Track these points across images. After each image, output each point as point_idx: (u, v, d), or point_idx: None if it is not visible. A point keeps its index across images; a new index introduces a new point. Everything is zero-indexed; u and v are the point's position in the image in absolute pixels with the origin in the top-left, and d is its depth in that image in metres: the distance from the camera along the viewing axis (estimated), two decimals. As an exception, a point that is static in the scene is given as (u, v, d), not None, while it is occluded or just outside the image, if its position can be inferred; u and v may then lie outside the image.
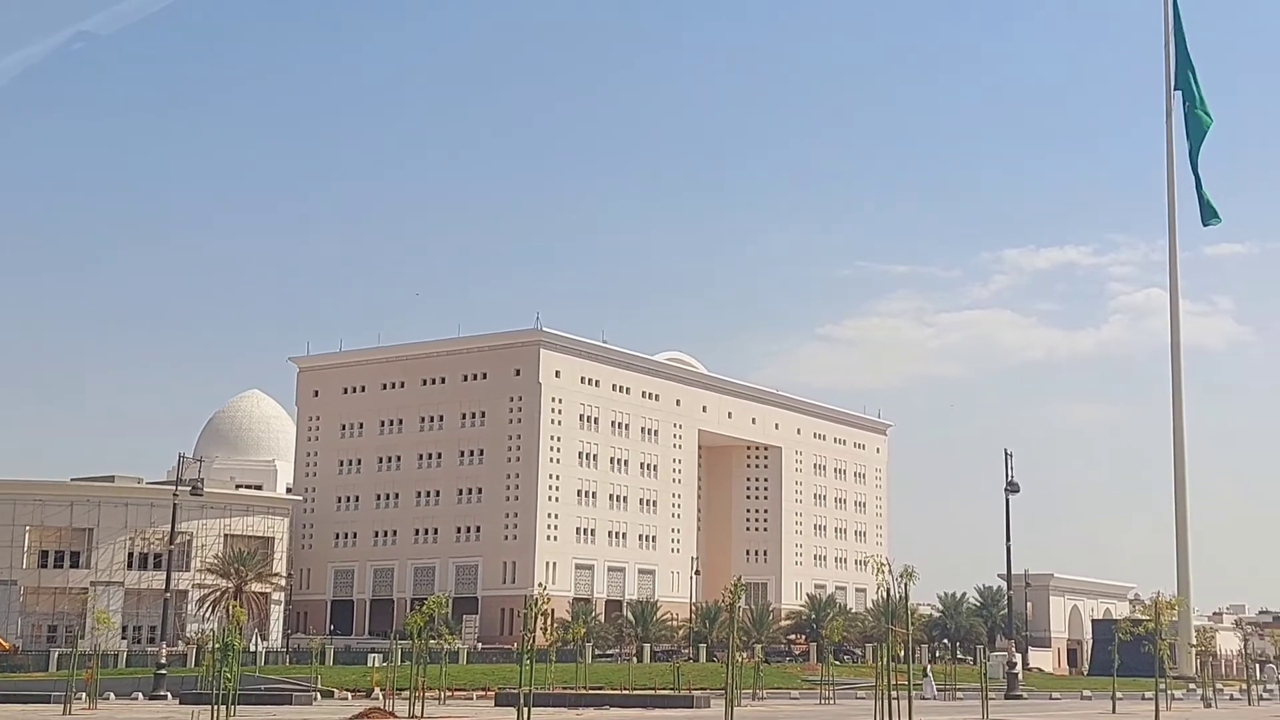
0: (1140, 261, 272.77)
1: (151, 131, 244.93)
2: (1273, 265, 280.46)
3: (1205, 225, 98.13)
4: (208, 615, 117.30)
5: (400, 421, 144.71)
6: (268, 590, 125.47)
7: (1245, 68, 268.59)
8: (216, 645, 50.04)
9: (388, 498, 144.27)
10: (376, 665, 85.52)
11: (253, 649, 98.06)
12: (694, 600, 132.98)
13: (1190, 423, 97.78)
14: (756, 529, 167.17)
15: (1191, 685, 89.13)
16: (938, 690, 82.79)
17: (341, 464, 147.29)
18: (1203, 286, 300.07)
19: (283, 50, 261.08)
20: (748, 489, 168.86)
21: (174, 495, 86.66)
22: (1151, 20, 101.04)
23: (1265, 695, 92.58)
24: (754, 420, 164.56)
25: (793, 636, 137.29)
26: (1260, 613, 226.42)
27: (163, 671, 71.66)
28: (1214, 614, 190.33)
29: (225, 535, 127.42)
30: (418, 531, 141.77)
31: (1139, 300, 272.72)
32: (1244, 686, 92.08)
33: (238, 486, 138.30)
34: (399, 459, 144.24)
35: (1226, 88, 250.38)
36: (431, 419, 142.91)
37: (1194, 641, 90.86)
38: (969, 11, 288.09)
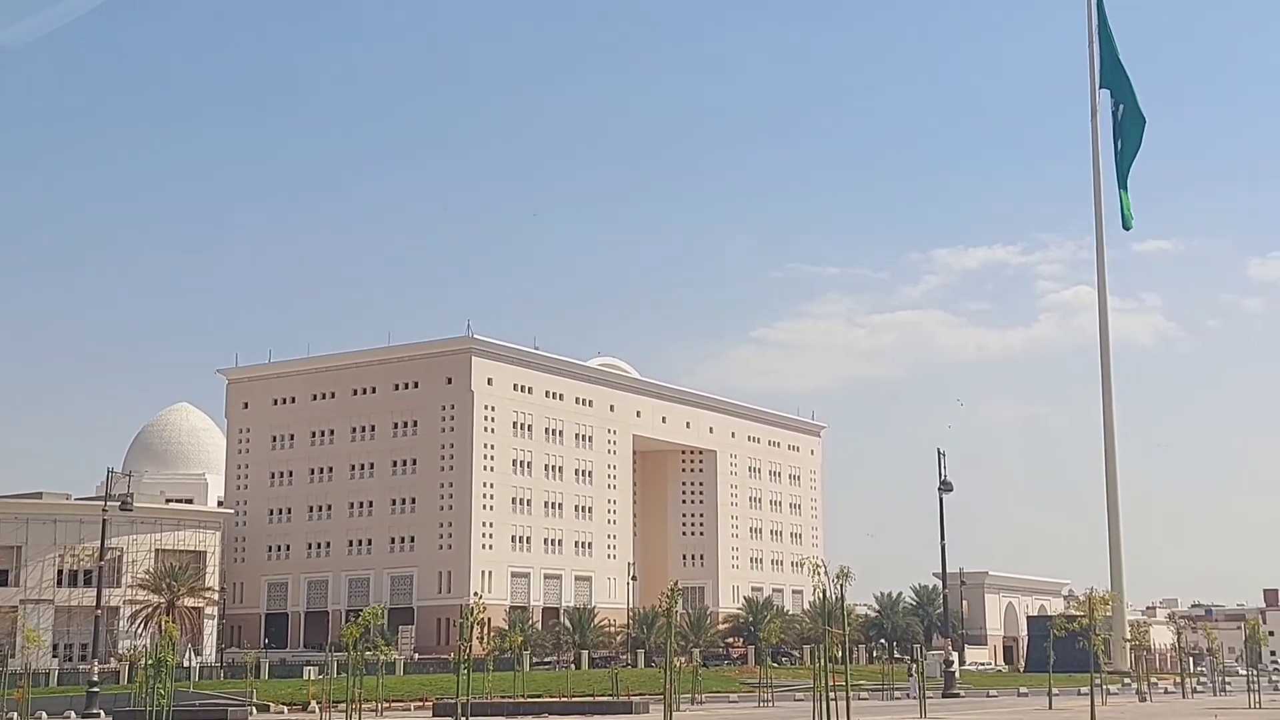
0: (1068, 260, 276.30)
1: (69, 144, 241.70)
2: (1199, 261, 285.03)
3: (1126, 229, 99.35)
4: (140, 631, 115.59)
5: (331, 432, 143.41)
6: (200, 605, 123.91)
7: (1169, 67, 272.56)
8: (149, 662, 49.39)
9: (320, 509, 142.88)
10: (312, 678, 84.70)
11: (186, 664, 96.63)
12: (631, 606, 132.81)
13: (1120, 418, 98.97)
14: (692, 533, 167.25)
15: (1126, 680, 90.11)
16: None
17: (273, 476, 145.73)
18: (1131, 283, 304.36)
19: (204, 60, 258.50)
20: (683, 493, 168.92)
21: (103, 511, 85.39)
22: (1078, 19, 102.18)
23: (1199, 688, 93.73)
24: (688, 424, 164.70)
25: (731, 640, 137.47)
26: (1193, 606, 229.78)
27: (95, 689, 70.55)
28: (1147, 608, 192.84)
29: (156, 550, 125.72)
30: (351, 543, 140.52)
31: (1068, 298, 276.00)
32: (1178, 680, 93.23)
33: (168, 501, 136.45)
34: (331, 470, 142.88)
35: (1151, 86, 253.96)
36: (363, 429, 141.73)
37: (1128, 636, 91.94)
38: (897, 15, 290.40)
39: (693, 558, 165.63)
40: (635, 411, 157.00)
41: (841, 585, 41.77)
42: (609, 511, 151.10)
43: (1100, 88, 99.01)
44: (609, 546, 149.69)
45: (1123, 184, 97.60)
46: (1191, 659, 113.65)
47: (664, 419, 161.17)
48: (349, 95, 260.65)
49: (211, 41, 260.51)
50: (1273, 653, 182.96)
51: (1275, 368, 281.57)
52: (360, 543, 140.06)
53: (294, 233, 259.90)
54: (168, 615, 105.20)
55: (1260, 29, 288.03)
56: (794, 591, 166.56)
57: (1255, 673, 77.40)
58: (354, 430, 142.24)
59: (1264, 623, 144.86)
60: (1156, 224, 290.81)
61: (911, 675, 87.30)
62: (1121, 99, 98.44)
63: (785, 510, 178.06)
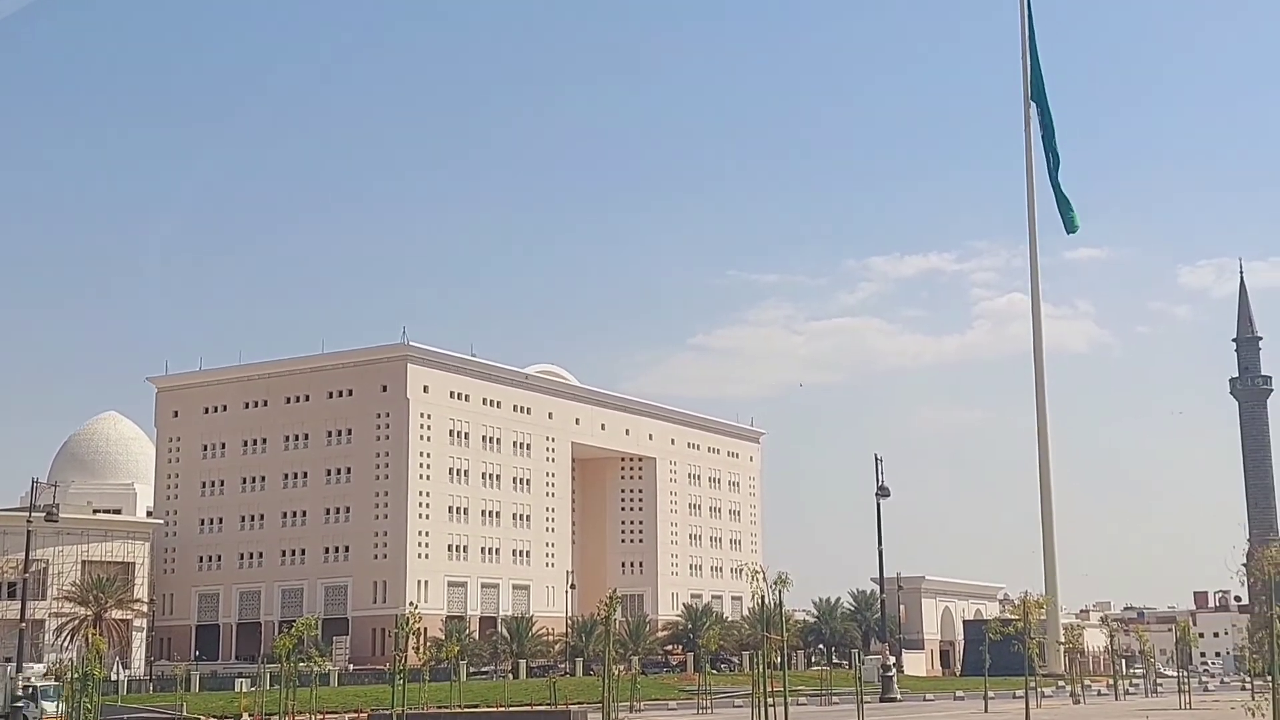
0: (1002, 267, 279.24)
1: None
2: (1130, 269, 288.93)
3: (1069, 233, 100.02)
4: (66, 645, 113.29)
5: (264, 441, 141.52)
6: (129, 617, 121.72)
7: (1102, 79, 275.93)
8: (76, 676, 48.56)
9: (252, 519, 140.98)
10: (244, 690, 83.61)
11: (114, 678, 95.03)
12: (570, 614, 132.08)
13: (1054, 424, 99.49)
14: (632, 540, 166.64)
15: (1060, 682, 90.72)
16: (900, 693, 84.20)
17: (204, 485, 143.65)
18: (1064, 290, 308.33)
19: (133, 63, 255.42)
20: (622, 500, 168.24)
21: (28, 522, 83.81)
22: (1011, 32, 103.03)
23: (1131, 690, 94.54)
24: (627, 431, 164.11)
25: (670, 647, 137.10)
26: (1125, 609, 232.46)
27: (20, 704, 69.04)
28: (1081, 611, 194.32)
29: (83, 562, 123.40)
30: (284, 553, 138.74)
31: (1002, 305, 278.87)
32: (1111, 682, 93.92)
33: (95, 511, 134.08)
34: (263, 479, 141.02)
35: (1084, 98, 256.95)
36: (296, 438, 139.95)
37: (1062, 639, 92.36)
38: (832, 26, 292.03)
39: (632, 565, 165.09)
40: (574, 419, 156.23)
41: (780, 591, 41.67)
42: (547, 520, 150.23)
43: (1030, 99, 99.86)
44: (547, 555, 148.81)
45: (1055, 190, 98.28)
46: (1124, 661, 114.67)
47: (603, 426, 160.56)
48: (282, 102, 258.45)
49: (140, 47, 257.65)
50: (1202, 654, 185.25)
51: (1204, 372, 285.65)
52: (293, 553, 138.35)
53: (224, 238, 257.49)
54: (95, 628, 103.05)
55: (1189, 44, 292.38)
56: (733, 598, 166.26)
57: (1186, 674, 78.06)
58: (287, 439, 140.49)
59: (1194, 624, 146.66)
60: (1088, 232, 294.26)
61: (891, 675, 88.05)
62: (1041, 110, 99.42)
63: (725, 517, 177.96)
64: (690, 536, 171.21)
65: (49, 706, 65.80)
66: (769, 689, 44.24)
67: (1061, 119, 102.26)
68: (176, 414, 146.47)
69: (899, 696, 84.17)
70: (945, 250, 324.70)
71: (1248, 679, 74.26)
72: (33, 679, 69.36)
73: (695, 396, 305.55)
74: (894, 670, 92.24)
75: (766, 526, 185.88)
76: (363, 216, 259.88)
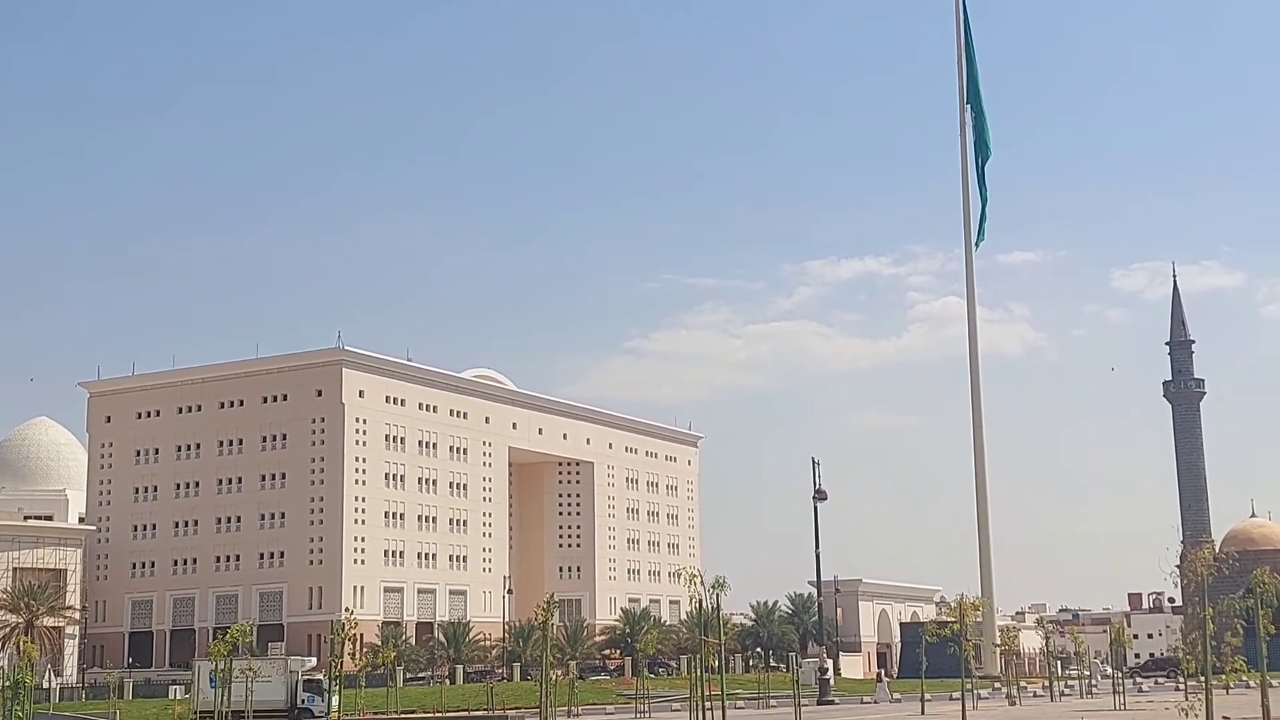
0: (938, 271, 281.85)
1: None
2: (1064, 272, 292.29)
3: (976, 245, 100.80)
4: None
5: (198, 446, 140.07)
6: (61, 624, 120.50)
7: (1037, 86, 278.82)
8: (6, 684, 47.85)
9: (186, 525, 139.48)
10: (178, 698, 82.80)
11: (46, 686, 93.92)
12: (507, 619, 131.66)
13: (989, 426, 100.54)
14: (569, 545, 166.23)
15: (997, 684, 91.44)
16: (892, 697, 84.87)
17: (137, 491, 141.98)
18: (999, 294, 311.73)
19: (50, 52, 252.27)
20: (560, 505, 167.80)
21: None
22: (947, 36, 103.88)
23: (1066, 691, 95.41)
24: (565, 436, 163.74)
25: (608, 651, 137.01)
26: (1060, 610, 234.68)
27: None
28: (1017, 614, 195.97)
29: (14, 568, 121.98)
30: (219, 559, 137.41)
31: (937, 309, 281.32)
32: (1046, 684, 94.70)
33: (26, 518, 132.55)
34: (197, 485, 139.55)
35: (1019, 103, 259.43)
36: (231, 443, 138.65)
37: (998, 641, 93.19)
38: (768, 27, 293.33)
39: (570, 570, 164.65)
40: (511, 423, 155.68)
41: (717, 595, 41.72)
42: (484, 525, 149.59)
43: (966, 102, 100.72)
44: (484, 560, 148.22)
45: (981, 197, 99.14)
46: (1060, 663, 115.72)
47: (540, 431, 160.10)
48: (215, 105, 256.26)
49: (65, 45, 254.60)
50: (1136, 655, 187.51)
51: (1138, 375, 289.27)
52: (228, 558, 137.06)
53: (156, 242, 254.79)
54: (26, 635, 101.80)
55: (1123, 51, 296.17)
56: (671, 602, 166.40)
57: (1121, 675, 78.85)
58: (221, 444, 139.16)
59: (1128, 626, 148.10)
60: (1023, 236, 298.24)
61: (881, 682, 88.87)
62: (976, 113, 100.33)
63: (663, 521, 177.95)
64: (628, 541, 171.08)
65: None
66: (707, 692, 44.30)
67: (997, 124, 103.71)
68: (109, 419, 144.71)
69: (836, 700, 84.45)
70: (882, 254, 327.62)
71: (1181, 679, 75.12)
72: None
73: (632, 400, 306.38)
74: (831, 673, 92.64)
75: (704, 530, 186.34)
76: (297, 220, 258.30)
